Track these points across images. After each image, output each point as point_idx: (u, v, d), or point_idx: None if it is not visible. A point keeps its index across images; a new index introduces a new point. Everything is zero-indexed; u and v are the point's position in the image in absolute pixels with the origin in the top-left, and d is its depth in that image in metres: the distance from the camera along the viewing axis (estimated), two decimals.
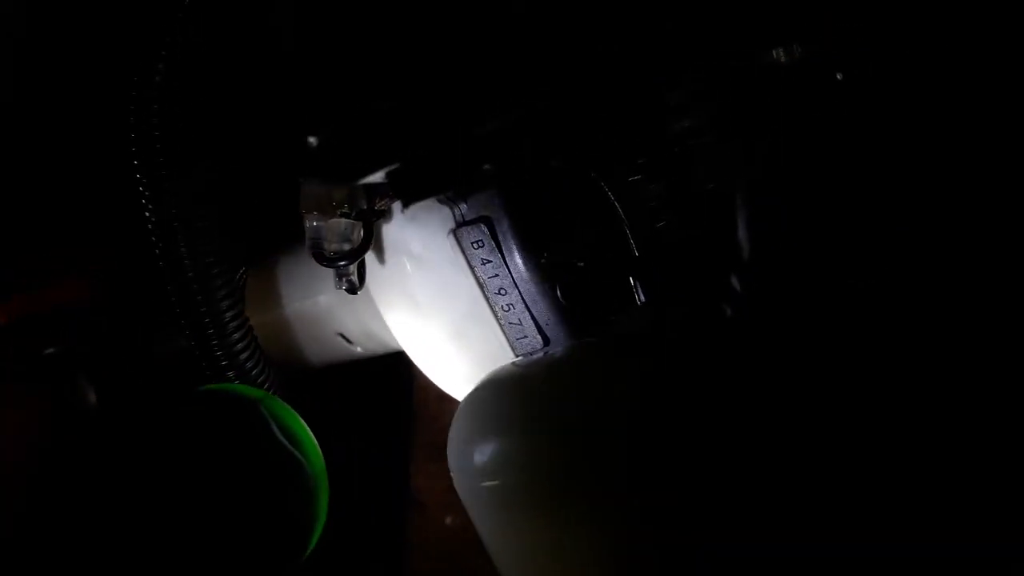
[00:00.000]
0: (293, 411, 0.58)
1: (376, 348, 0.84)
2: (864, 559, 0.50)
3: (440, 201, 0.63)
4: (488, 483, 0.53)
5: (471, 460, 0.54)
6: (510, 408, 0.56)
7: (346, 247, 0.63)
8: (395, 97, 0.48)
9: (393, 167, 0.53)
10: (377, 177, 0.55)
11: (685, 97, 0.58)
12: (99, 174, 0.82)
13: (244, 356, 0.67)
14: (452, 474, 0.57)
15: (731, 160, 0.52)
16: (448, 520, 1.01)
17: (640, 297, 0.62)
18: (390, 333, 0.75)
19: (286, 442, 0.56)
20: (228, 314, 0.65)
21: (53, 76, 0.79)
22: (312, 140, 0.49)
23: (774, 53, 0.56)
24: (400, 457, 1.03)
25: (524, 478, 0.52)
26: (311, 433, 0.58)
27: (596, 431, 0.54)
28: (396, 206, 0.66)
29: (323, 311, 0.81)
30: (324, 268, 0.78)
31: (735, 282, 0.47)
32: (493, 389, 0.57)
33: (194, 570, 0.51)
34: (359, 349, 0.84)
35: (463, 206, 0.63)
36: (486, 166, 0.57)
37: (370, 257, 0.67)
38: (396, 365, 0.99)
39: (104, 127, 0.78)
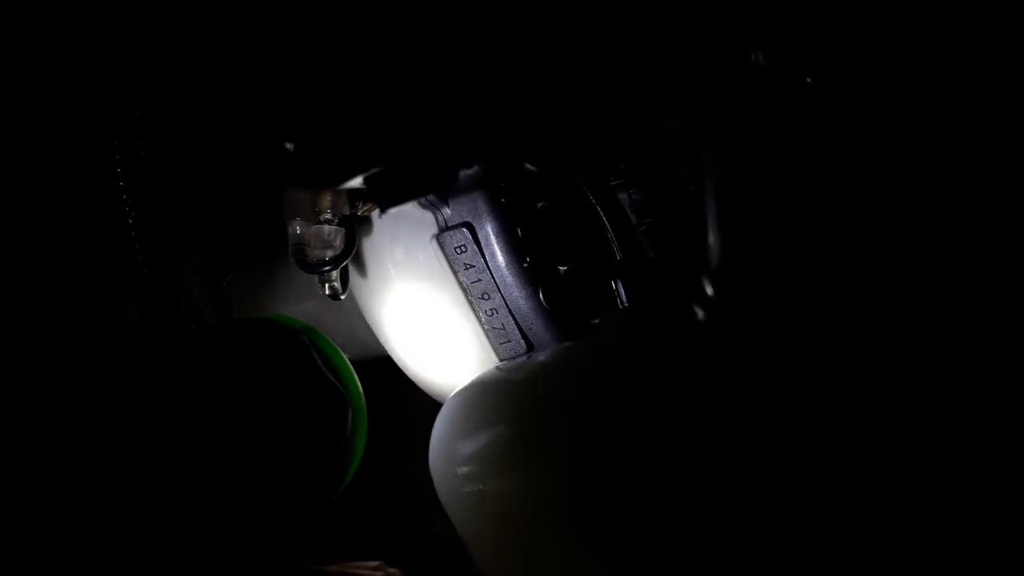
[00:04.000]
0: (336, 346, 0.57)
1: (364, 353, 0.84)
2: None
3: (423, 206, 0.63)
4: (469, 488, 0.53)
5: (451, 465, 0.54)
6: (492, 413, 0.56)
7: (329, 253, 0.63)
8: (374, 102, 0.47)
9: (372, 172, 0.53)
10: (357, 182, 0.55)
11: (665, 101, 0.58)
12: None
13: None
14: (433, 477, 0.57)
15: (705, 163, 0.52)
16: (438, 527, 1.01)
17: (623, 300, 0.62)
18: (376, 338, 0.75)
19: (329, 374, 0.54)
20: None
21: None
22: (290, 146, 0.48)
23: (753, 56, 0.56)
24: (391, 462, 1.03)
25: (504, 485, 0.52)
26: (352, 369, 0.56)
27: (577, 439, 0.54)
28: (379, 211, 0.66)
29: (311, 317, 0.81)
30: None
31: (706, 286, 0.47)
32: (474, 394, 0.57)
33: (237, 497, 0.50)
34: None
35: (446, 211, 0.63)
36: (463, 171, 0.57)
37: (355, 263, 0.67)
38: (385, 371, 0.99)
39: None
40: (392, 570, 0.61)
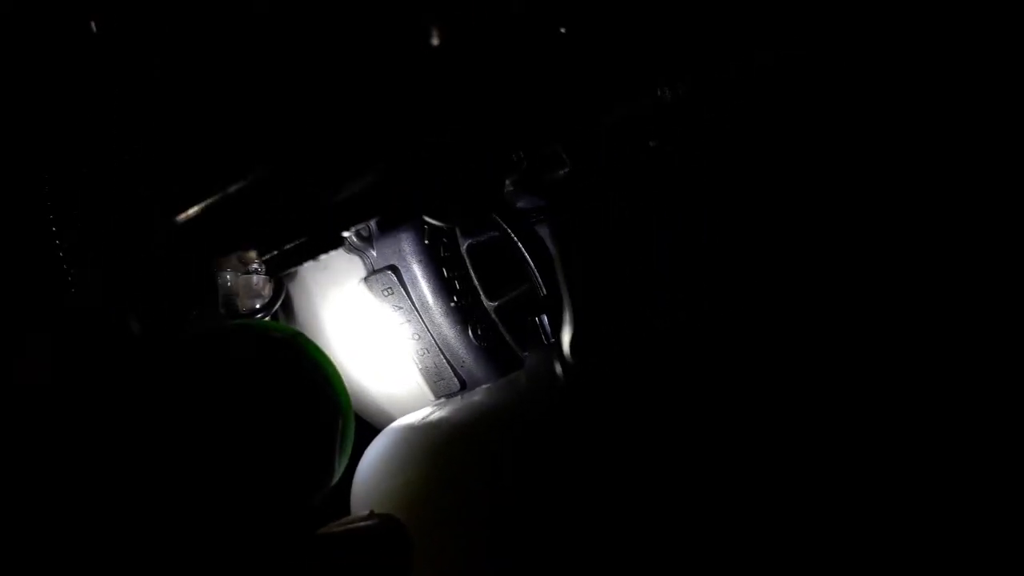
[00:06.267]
0: (324, 351, 0.57)
1: None
2: None
3: (348, 251, 0.64)
4: None
5: (368, 507, 0.55)
6: (414, 455, 0.56)
7: (258, 303, 0.64)
8: (256, 170, 0.48)
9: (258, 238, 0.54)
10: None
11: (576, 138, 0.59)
12: None
13: None
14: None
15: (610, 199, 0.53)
16: None
17: (547, 335, 0.62)
18: None
19: (320, 377, 0.54)
20: None
21: None
22: (180, 218, 0.49)
23: (659, 91, 0.57)
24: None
25: (418, 527, 0.52)
26: (340, 375, 0.57)
27: (499, 485, 0.54)
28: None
29: None
30: None
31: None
32: (397, 436, 0.58)
33: (225, 501, 0.49)
34: None
35: (372, 254, 0.64)
36: (347, 233, 0.58)
37: (287, 308, 0.68)
38: None
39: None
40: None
